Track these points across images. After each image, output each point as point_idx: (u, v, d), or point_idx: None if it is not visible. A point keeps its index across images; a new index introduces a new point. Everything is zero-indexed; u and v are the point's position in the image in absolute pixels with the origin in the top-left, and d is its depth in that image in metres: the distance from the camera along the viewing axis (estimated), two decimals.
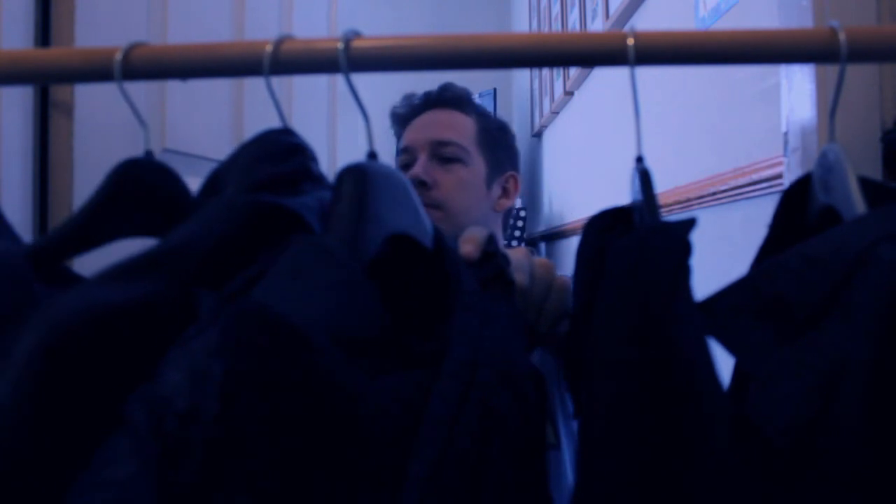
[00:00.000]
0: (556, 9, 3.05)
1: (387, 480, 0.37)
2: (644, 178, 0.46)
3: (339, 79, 0.47)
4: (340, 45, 0.45)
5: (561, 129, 3.15)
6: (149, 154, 0.50)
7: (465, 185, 1.20)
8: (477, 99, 1.39)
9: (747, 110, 1.19)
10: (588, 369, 0.41)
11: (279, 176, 0.46)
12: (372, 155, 0.47)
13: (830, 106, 0.47)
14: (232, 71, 0.48)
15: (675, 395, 0.37)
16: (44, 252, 0.47)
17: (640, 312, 0.39)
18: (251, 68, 0.46)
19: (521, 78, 4.31)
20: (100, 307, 0.37)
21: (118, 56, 0.46)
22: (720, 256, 1.30)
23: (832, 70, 0.62)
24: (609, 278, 0.43)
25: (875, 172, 0.77)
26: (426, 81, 1.16)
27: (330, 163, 1.58)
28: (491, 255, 0.56)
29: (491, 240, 0.58)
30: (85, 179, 0.78)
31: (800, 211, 0.51)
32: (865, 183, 0.45)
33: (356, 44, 0.46)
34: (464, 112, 1.24)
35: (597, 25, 2.24)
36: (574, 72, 2.74)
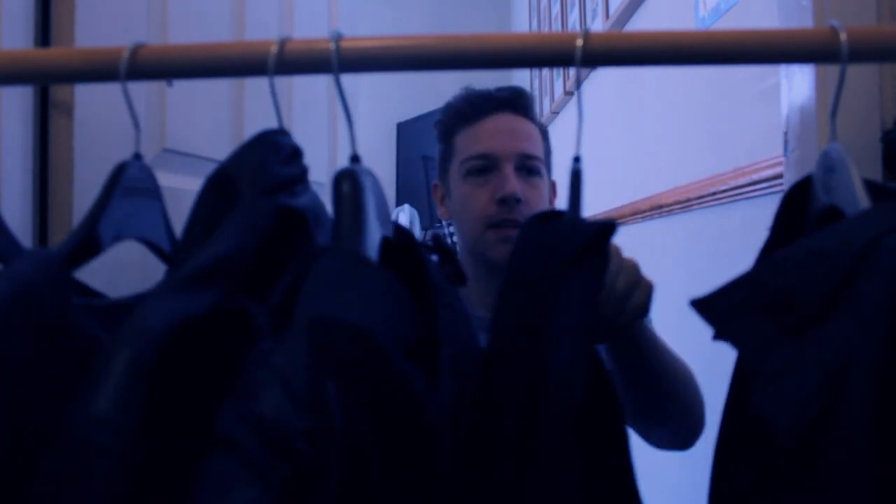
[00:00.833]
0: (556, 9, 3.05)
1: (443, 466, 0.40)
2: (574, 177, 0.47)
3: (340, 79, 0.47)
4: (332, 46, 0.45)
5: (561, 129, 3.16)
6: (138, 157, 0.51)
7: (544, 201, 1.14)
8: None
9: (747, 110, 1.19)
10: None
11: (286, 179, 0.47)
12: (355, 158, 0.48)
13: (831, 106, 0.47)
14: (235, 71, 0.48)
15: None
16: (72, 259, 0.47)
17: (522, 303, 0.43)
18: (255, 69, 0.46)
19: (521, 78, 4.31)
20: (183, 319, 0.38)
21: (125, 55, 0.46)
22: (720, 256, 1.30)
23: (832, 70, 0.62)
24: (507, 269, 0.47)
25: (875, 172, 0.77)
26: (427, 82, 1.15)
27: (330, 163, 1.57)
28: (451, 252, 0.57)
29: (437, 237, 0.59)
30: (85, 179, 0.78)
31: (801, 212, 0.51)
32: (866, 184, 0.45)
33: (356, 44, 0.46)
34: (532, 121, 1.16)
35: (597, 25, 2.24)
36: (574, 72, 2.73)
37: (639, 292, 0.78)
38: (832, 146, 0.47)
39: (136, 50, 0.46)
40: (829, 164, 0.47)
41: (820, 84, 0.81)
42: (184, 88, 0.97)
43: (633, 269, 0.79)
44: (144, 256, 0.55)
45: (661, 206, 1.57)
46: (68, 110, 0.77)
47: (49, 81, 0.70)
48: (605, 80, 2.22)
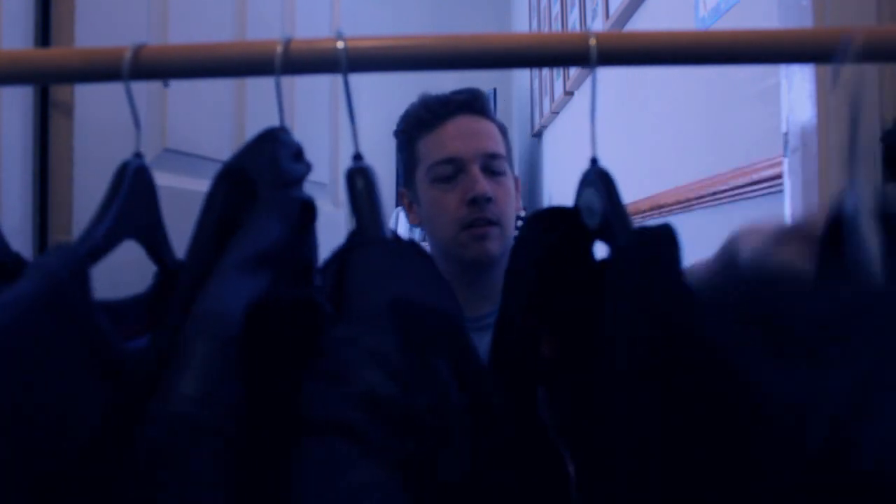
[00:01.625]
0: (556, 9, 3.05)
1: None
2: (605, 180, 0.47)
3: (341, 78, 0.47)
4: (341, 46, 0.45)
5: (561, 129, 3.15)
6: (138, 156, 0.51)
7: (512, 197, 1.16)
8: None
9: (747, 110, 1.19)
10: (600, 387, 0.41)
11: (297, 175, 0.48)
12: (358, 156, 0.49)
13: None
14: (240, 71, 0.48)
15: (727, 402, 0.36)
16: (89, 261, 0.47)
17: (662, 324, 0.39)
18: (259, 68, 0.46)
19: (521, 78, 4.31)
20: (257, 302, 0.39)
21: (127, 56, 0.46)
22: None
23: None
24: (616, 294, 0.42)
25: (875, 172, 0.76)
26: (426, 82, 1.14)
27: (332, 163, 1.57)
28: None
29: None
30: (85, 179, 0.78)
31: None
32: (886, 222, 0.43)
33: (358, 44, 0.46)
34: (491, 120, 1.18)
35: (597, 25, 2.24)
36: (574, 72, 2.74)
37: None
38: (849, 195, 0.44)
39: (139, 50, 0.46)
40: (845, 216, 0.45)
41: (820, 84, 0.81)
42: (184, 88, 0.97)
43: None
44: (143, 256, 0.55)
45: (661, 206, 1.57)
46: (68, 110, 0.77)
47: (49, 81, 0.70)
48: (605, 81, 2.21)
